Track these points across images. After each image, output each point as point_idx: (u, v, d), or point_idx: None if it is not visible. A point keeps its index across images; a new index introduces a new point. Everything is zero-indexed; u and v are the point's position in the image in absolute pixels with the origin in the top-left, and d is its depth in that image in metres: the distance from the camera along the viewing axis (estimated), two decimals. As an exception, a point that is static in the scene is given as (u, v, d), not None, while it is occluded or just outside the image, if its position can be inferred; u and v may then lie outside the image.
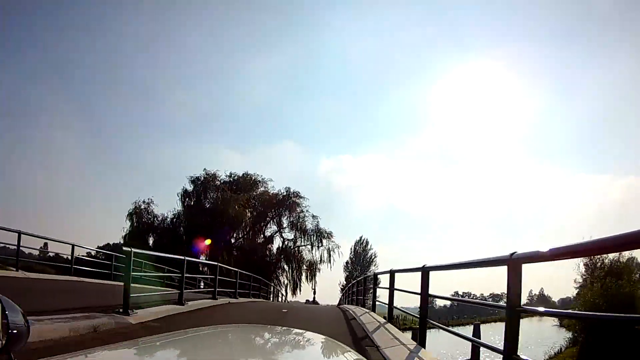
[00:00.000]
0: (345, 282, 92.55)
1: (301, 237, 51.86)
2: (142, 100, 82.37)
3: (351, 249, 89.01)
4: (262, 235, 51.99)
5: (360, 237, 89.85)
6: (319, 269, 53.40)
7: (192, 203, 46.13)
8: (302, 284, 53.53)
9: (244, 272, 23.36)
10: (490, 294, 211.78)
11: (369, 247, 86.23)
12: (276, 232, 52.11)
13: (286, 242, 52.53)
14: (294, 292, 53.58)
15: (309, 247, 52.42)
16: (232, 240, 49.59)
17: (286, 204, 50.72)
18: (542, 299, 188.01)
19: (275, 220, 51.75)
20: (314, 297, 57.10)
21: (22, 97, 72.38)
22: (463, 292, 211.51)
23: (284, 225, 51.91)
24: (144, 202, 45.23)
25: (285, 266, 52.89)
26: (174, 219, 46.69)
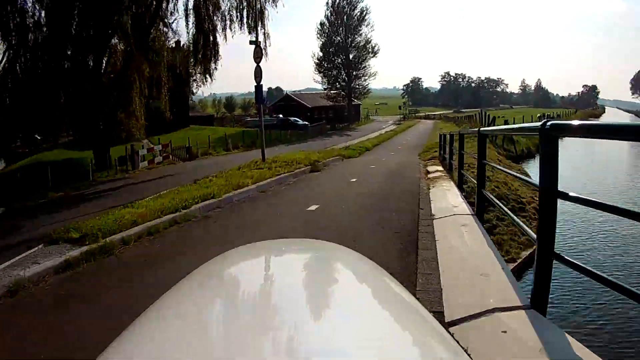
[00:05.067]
0: (321, 54, 61.41)
1: None
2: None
3: (328, 2, 59.85)
4: None
5: (342, -17, 62.79)
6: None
7: None
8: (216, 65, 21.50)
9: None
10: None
11: (356, -1, 61.51)
12: None
13: None
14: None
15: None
16: None
17: None
18: (544, 94, 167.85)
19: None
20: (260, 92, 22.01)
21: None
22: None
23: None
24: None
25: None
26: None
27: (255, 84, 14.20)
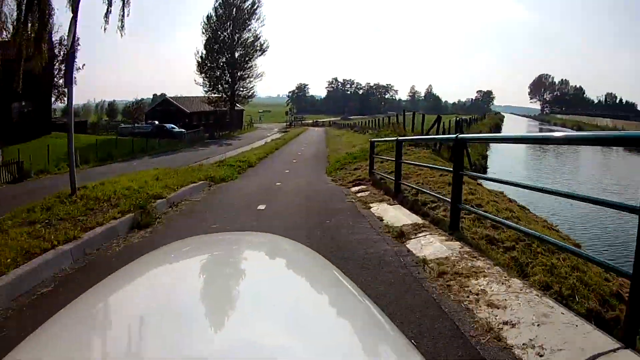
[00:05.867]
0: (205, 52, 56.27)
1: None
2: None
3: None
4: None
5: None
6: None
7: None
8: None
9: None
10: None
11: (246, -9, 59.91)
12: None
13: None
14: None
15: None
16: None
17: None
18: (435, 100, 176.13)
19: None
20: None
21: None
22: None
23: None
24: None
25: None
26: None
27: (67, 50, 8.87)
